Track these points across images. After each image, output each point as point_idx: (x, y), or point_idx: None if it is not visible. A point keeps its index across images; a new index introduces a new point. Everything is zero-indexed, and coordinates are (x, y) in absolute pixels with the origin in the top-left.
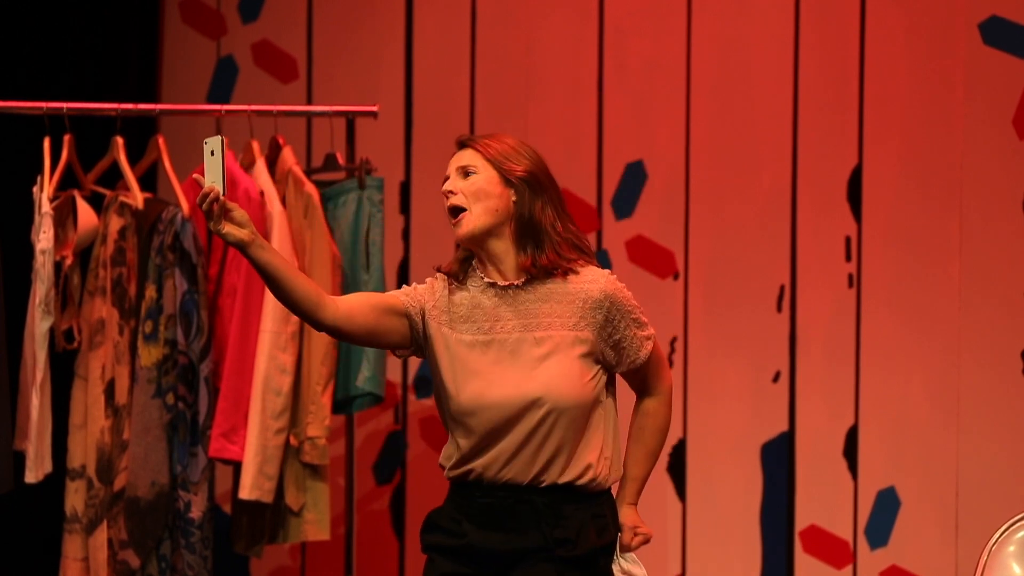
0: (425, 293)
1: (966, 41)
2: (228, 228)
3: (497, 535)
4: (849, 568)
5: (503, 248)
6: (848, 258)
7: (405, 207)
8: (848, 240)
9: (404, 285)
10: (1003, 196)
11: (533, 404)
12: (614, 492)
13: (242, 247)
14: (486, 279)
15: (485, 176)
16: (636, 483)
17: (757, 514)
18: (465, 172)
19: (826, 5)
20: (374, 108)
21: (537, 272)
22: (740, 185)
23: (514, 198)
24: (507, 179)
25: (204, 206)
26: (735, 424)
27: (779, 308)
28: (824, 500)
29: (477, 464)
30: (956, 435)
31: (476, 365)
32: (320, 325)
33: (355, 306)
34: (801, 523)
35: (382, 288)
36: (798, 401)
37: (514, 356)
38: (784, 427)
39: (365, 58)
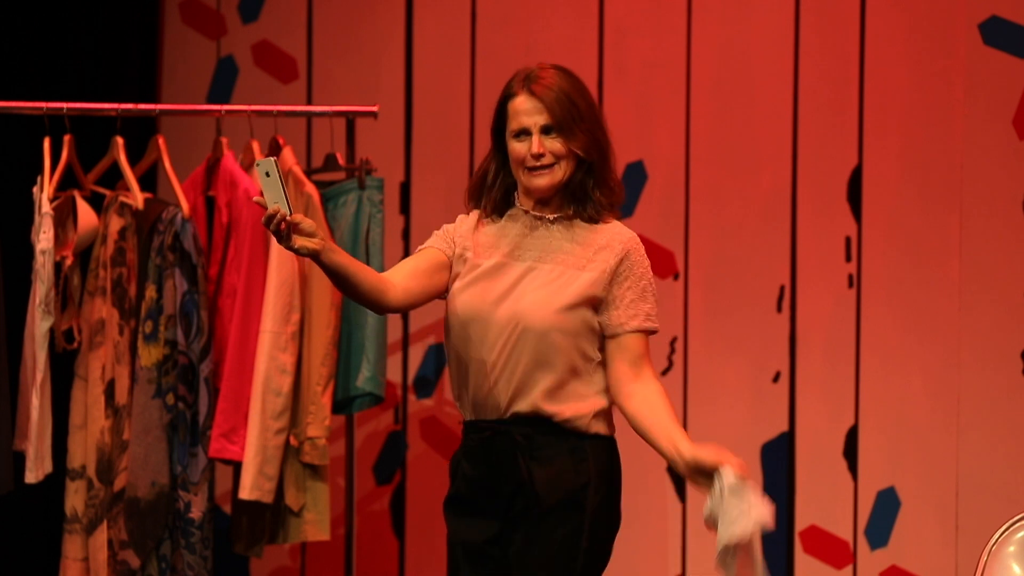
0: (456, 232)
1: (966, 41)
2: (300, 242)
3: (484, 469)
4: (849, 568)
5: (553, 194)
6: (848, 258)
7: (405, 207)
8: (848, 240)
9: (436, 232)
10: (1003, 196)
11: (508, 322)
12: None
13: (315, 256)
14: (522, 207)
15: (561, 139)
16: (687, 439)
17: None
18: (547, 130)
19: (826, 5)
20: (374, 108)
21: (571, 215)
22: (740, 185)
23: (575, 162)
24: (571, 146)
25: (272, 227)
26: (735, 424)
27: (779, 308)
28: (824, 500)
29: (465, 389)
30: (956, 435)
31: (476, 284)
32: (386, 309)
33: (408, 280)
34: (801, 523)
35: None
36: (798, 401)
37: (514, 281)
38: (784, 427)
39: (365, 58)
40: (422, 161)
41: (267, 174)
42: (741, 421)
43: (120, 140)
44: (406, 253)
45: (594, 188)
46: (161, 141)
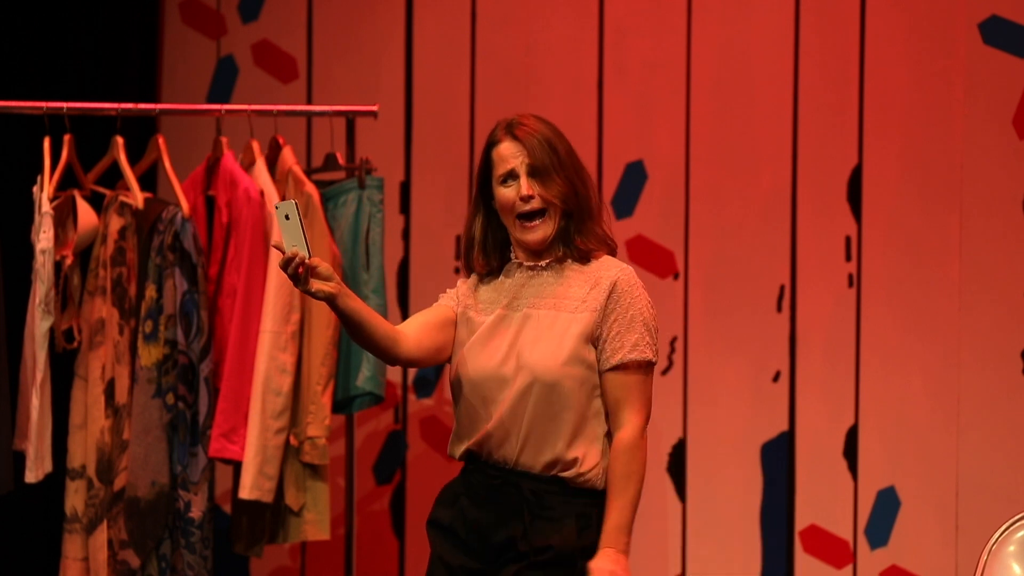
0: (460, 292)
1: (966, 41)
2: (317, 286)
3: (485, 513)
4: (849, 568)
5: (546, 247)
6: (848, 258)
7: (405, 207)
8: (848, 240)
9: (441, 294)
10: (1003, 196)
11: (514, 375)
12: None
13: (330, 300)
14: (516, 260)
15: (547, 181)
16: (606, 526)
17: (757, 514)
18: (531, 172)
19: (826, 5)
20: (374, 108)
21: (560, 258)
22: (740, 185)
23: (562, 206)
24: (552, 191)
25: (289, 271)
26: (735, 424)
27: (779, 308)
28: (824, 500)
29: (470, 440)
30: (956, 435)
31: (478, 338)
32: (397, 361)
33: (419, 332)
34: (801, 523)
35: (382, 287)
36: (798, 401)
37: (515, 332)
38: (784, 427)
39: (365, 58)
40: (422, 161)
41: (287, 217)
42: (741, 421)
43: (120, 140)
44: (406, 253)
45: (575, 235)
46: (161, 141)
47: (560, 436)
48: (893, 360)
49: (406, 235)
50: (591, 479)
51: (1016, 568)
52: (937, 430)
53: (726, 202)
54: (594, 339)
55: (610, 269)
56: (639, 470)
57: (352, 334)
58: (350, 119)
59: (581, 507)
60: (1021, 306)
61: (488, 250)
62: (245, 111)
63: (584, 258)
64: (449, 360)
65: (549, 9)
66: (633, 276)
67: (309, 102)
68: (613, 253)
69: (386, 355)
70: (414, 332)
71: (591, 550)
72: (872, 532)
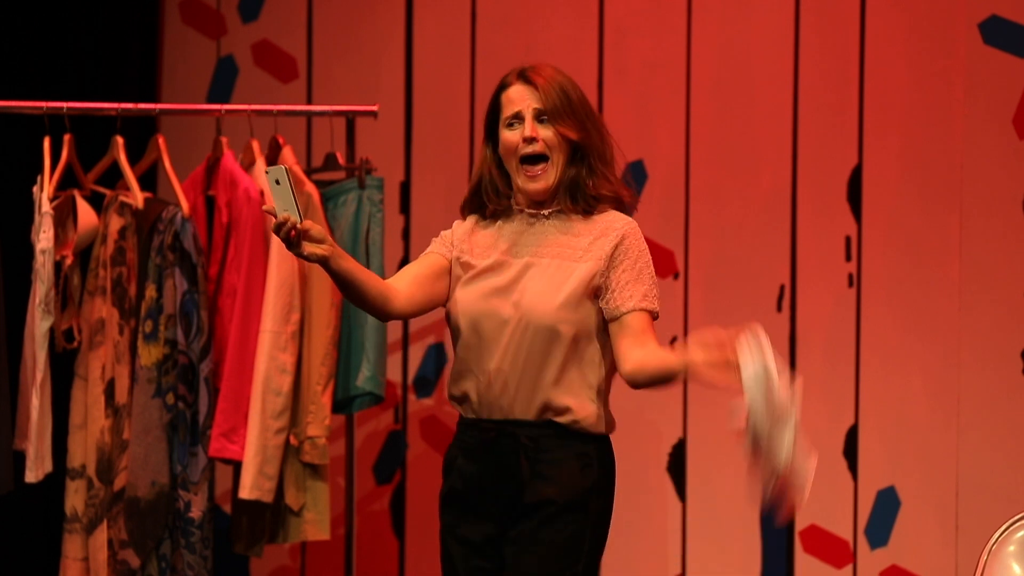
0: (454, 236)
1: (966, 41)
2: (309, 249)
3: (484, 468)
4: (849, 568)
5: (548, 197)
6: (848, 258)
7: (405, 207)
8: (848, 240)
9: (433, 238)
10: (1003, 196)
11: (511, 319)
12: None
13: (323, 262)
14: (517, 206)
15: (554, 128)
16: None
17: (757, 514)
18: (540, 116)
19: (826, 5)
20: (374, 108)
21: (565, 208)
22: (740, 185)
23: (566, 155)
24: (566, 136)
25: (281, 235)
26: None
27: (779, 308)
28: (824, 500)
29: (467, 382)
30: (956, 435)
31: (476, 281)
32: (390, 317)
33: (411, 286)
34: (801, 523)
35: None
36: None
37: (514, 277)
38: None
39: (365, 58)
40: (422, 161)
41: (277, 182)
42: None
43: (120, 140)
44: (406, 253)
45: (587, 179)
46: (161, 141)
47: (553, 379)
48: (893, 360)
49: (406, 235)
50: (586, 426)
51: (1016, 568)
52: (937, 430)
53: (726, 202)
54: (595, 287)
55: (617, 220)
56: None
57: (346, 294)
58: (350, 119)
59: (579, 447)
60: (1021, 306)
61: (495, 195)
62: (245, 111)
63: (589, 209)
64: (444, 305)
65: (549, 9)
66: (639, 230)
67: (309, 102)
68: (623, 206)
69: (380, 313)
70: (406, 286)
71: (596, 490)
72: (872, 532)
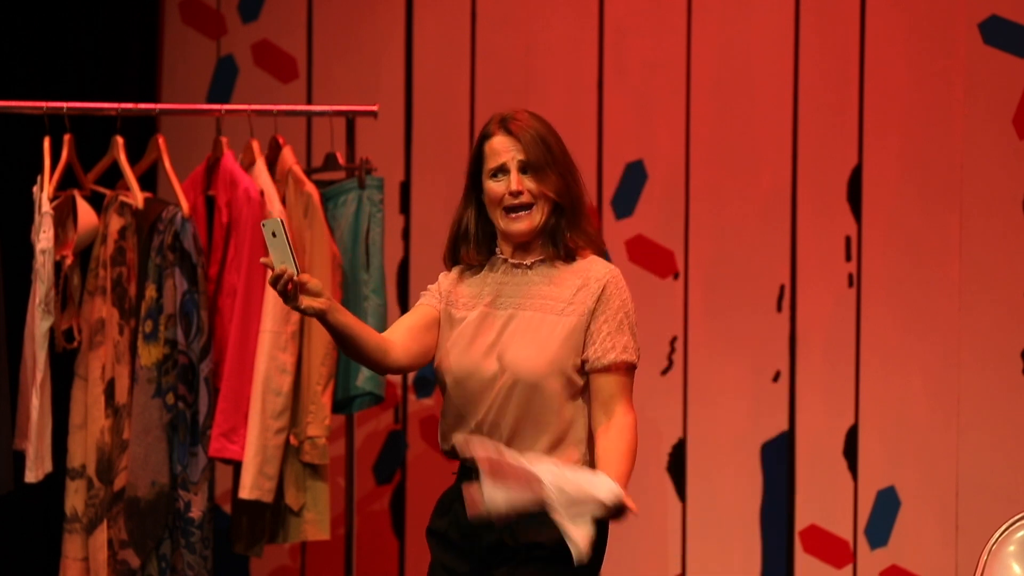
0: (442, 287)
1: (966, 41)
2: (306, 303)
3: (476, 517)
4: (849, 568)
5: (532, 238)
6: (848, 258)
7: (405, 207)
8: (848, 240)
9: (423, 292)
10: (1003, 196)
11: (496, 375)
12: None
13: (320, 316)
14: (502, 256)
15: (538, 177)
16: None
17: (757, 514)
18: (524, 168)
19: (826, 5)
20: (374, 108)
21: (547, 258)
22: (740, 185)
23: (551, 202)
24: (547, 184)
25: (278, 288)
26: (735, 424)
27: (779, 308)
28: (824, 500)
29: (456, 438)
30: (956, 435)
31: (462, 335)
32: (388, 369)
33: (407, 339)
34: (801, 523)
35: (382, 287)
36: (798, 401)
37: (499, 331)
38: (784, 427)
39: (365, 58)
40: (422, 161)
41: (273, 234)
42: (741, 421)
43: (120, 140)
44: (406, 253)
45: (566, 231)
46: (161, 141)
47: (543, 438)
48: (893, 360)
49: (406, 235)
50: None
51: (1016, 568)
52: (937, 430)
53: (726, 202)
54: (579, 341)
55: (598, 269)
56: (634, 449)
57: (342, 347)
58: (350, 119)
59: None
60: (1021, 306)
61: (477, 243)
62: (245, 111)
63: (570, 256)
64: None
65: (549, 9)
66: (621, 278)
67: (309, 102)
68: (600, 254)
69: (377, 365)
70: (402, 339)
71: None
72: (872, 532)
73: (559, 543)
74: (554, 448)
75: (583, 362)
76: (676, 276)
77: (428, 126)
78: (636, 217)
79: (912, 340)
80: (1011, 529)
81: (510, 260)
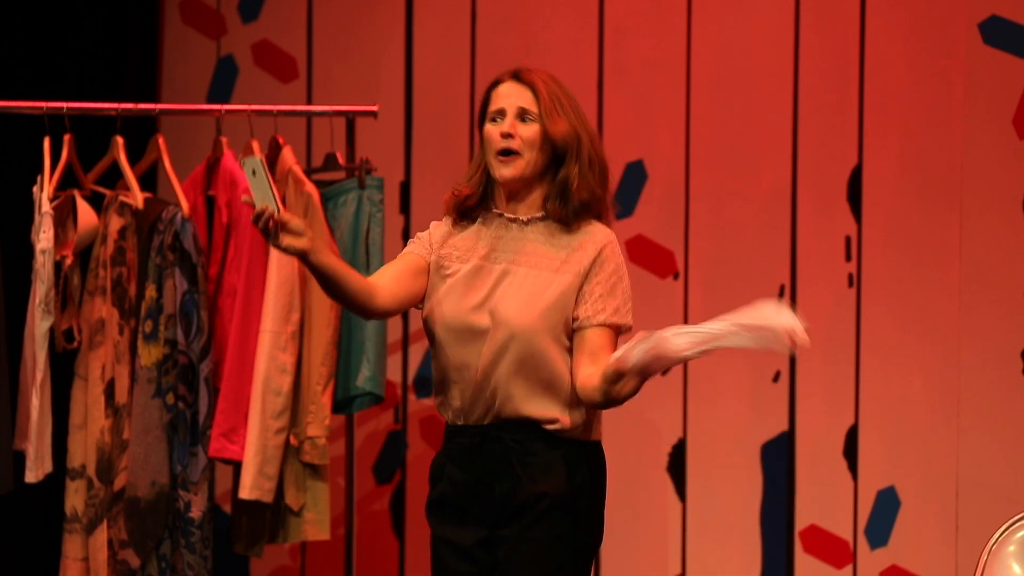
0: (433, 237)
1: (966, 41)
2: (287, 241)
3: (472, 475)
4: (849, 568)
5: (527, 191)
6: (848, 258)
7: (405, 207)
8: (848, 240)
9: (411, 240)
10: (1003, 196)
11: (491, 328)
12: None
13: (302, 256)
14: (496, 210)
15: (538, 127)
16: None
17: (757, 514)
18: (523, 115)
19: (826, 5)
20: (374, 108)
21: (546, 216)
22: (740, 185)
23: (546, 156)
24: (551, 137)
25: (260, 225)
26: (735, 424)
27: None
28: (824, 500)
29: (450, 395)
30: (956, 435)
31: (454, 288)
32: (373, 314)
33: (392, 284)
34: (801, 523)
35: None
36: (798, 401)
37: (492, 285)
38: (784, 427)
39: (365, 58)
40: (422, 161)
41: (253, 172)
42: (741, 421)
43: (120, 140)
44: None
45: (574, 181)
46: (161, 141)
47: (537, 393)
48: (893, 360)
49: (406, 235)
50: (573, 435)
51: (1016, 568)
52: (937, 430)
53: (726, 202)
54: (571, 301)
55: (596, 234)
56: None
57: (327, 290)
58: (350, 119)
59: (566, 452)
60: (1021, 306)
61: (478, 194)
62: (245, 111)
63: (575, 217)
64: (421, 305)
65: (549, 9)
66: (616, 243)
67: (309, 102)
68: (602, 218)
69: (361, 309)
70: (387, 283)
71: (585, 490)
72: (872, 532)
73: (564, 489)
74: (547, 402)
75: (573, 320)
76: (676, 276)
77: (428, 126)
78: (636, 217)
79: (912, 340)
80: (1011, 529)
81: (505, 214)
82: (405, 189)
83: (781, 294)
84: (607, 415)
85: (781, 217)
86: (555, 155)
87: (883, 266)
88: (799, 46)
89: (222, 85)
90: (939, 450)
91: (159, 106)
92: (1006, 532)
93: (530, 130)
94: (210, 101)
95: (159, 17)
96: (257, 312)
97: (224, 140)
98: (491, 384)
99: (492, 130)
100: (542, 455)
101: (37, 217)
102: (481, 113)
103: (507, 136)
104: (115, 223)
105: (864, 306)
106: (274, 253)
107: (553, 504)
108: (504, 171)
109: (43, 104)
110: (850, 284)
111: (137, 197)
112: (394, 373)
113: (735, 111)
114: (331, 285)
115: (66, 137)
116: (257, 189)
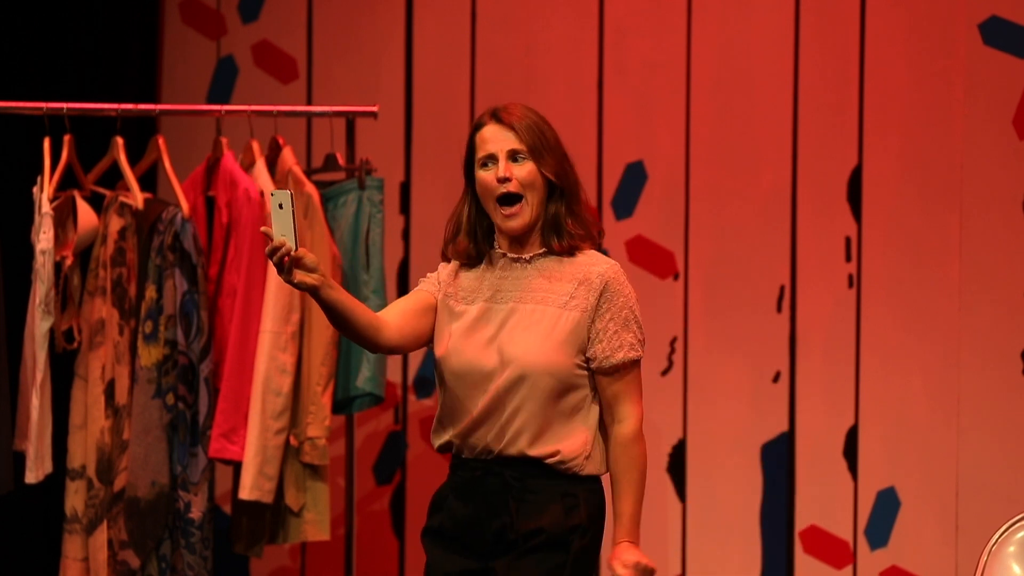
0: (441, 277)
1: (966, 41)
2: (300, 277)
3: (472, 508)
4: (849, 568)
5: (529, 232)
6: (848, 258)
7: (405, 207)
8: (848, 240)
9: (421, 279)
10: (1003, 196)
11: (499, 367)
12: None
13: (313, 292)
14: (500, 250)
15: (531, 166)
16: (623, 519)
17: (757, 514)
18: (514, 156)
19: (826, 5)
20: (374, 108)
21: (548, 252)
22: (740, 185)
23: (543, 194)
24: (542, 173)
25: (274, 260)
26: (735, 424)
27: (779, 308)
28: (824, 500)
29: (452, 431)
30: (956, 435)
31: (462, 329)
32: (379, 348)
33: (400, 319)
34: (801, 523)
35: (382, 288)
36: (798, 401)
37: (499, 324)
38: (784, 427)
39: (365, 58)
40: (422, 161)
41: (280, 206)
42: (741, 421)
43: (120, 140)
44: (406, 253)
45: (566, 218)
46: (161, 141)
47: (542, 430)
48: (893, 360)
49: (406, 235)
50: (573, 467)
51: (1016, 568)
52: (937, 430)
53: (726, 202)
54: (582, 337)
55: (598, 265)
56: (644, 460)
57: (335, 324)
58: (350, 119)
59: (566, 487)
60: (1021, 306)
61: (474, 237)
62: (245, 111)
63: (569, 251)
64: (429, 345)
65: (549, 9)
66: (621, 273)
67: (309, 102)
68: (598, 244)
69: (369, 344)
70: (395, 320)
71: (580, 529)
72: (872, 532)
73: (559, 528)
74: (551, 438)
75: (588, 359)
76: (676, 277)
77: (428, 126)
78: (636, 217)
79: (912, 340)
80: (1011, 529)
81: (508, 255)
82: (405, 189)
83: (781, 294)
84: None
85: (781, 217)
86: (549, 192)
87: (883, 266)
88: (799, 46)
89: (222, 85)
90: (939, 450)
91: (159, 106)
92: (1006, 532)
93: (525, 169)
94: (210, 101)
95: (159, 17)
96: (257, 312)
97: (224, 140)
98: (496, 421)
99: (486, 176)
100: (541, 492)
101: (37, 217)
102: (468, 159)
103: (504, 180)
104: (115, 223)
105: (864, 306)
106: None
107: (548, 540)
108: (511, 224)
109: (43, 104)
110: (850, 284)
111: (137, 197)
112: (394, 373)
113: (735, 111)
114: (339, 319)
115: (66, 137)
116: (279, 222)
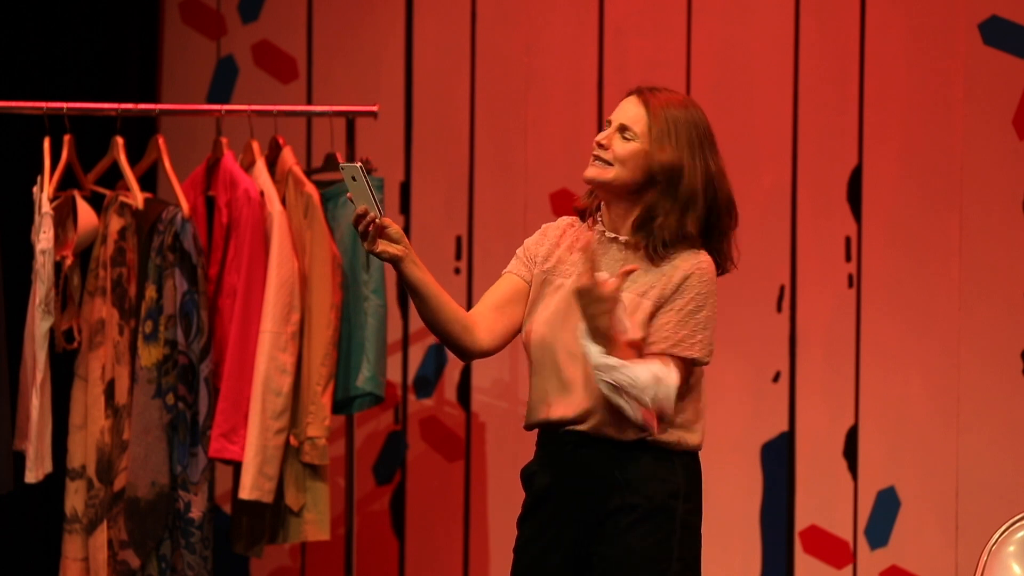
0: (535, 254)
1: (966, 41)
2: (383, 246)
3: (566, 480)
4: (849, 568)
5: (622, 211)
6: (848, 258)
7: (405, 207)
8: (848, 240)
9: (513, 258)
10: (1003, 196)
11: (577, 352)
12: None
13: (396, 262)
14: (599, 226)
15: (636, 146)
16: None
17: (757, 514)
18: (624, 131)
19: (826, 5)
20: (374, 108)
21: (641, 242)
22: (740, 185)
23: (640, 177)
24: (650, 162)
25: (360, 228)
26: (735, 424)
27: (779, 308)
28: (824, 500)
29: (544, 412)
30: (956, 435)
31: (549, 305)
32: (469, 351)
33: (491, 319)
34: (801, 523)
35: (382, 288)
36: (798, 401)
37: None
38: (784, 427)
39: (365, 58)
40: (422, 161)
41: (353, 178)
42: (741, 421)
43: (120, 140)
44: None
45: (660, 214)
46: (161, 141)
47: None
48: (893, 360)
49: (406, 235)
50: (669, 445)
51: (1016, 568)
52: (937, 430)
53: None
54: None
55: (690, 259)
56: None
57: (418, 308)
58: (350, 119)
59: (664, 459)
60: (1021, 306)
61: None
62: (245, 111)
63: (653, 250)
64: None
65: (549, 9)
66: (708, 271)
67: (309, 102)
68: (700, 245)
69: (455, 342)
70: (487, 319)
71: (681, 496)
72: (872, 532)
73: (660, 494)
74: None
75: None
76: None
77: (428, 126)
78: None
79: (912, 340)
80: (1011, 529)
81: (606, 232)
82: (405, 189)
83: (781, 294)
84: None
85: (781, 217)
86: (653, 180)
87: (883, 266)
88: (799, 46)
89: (222, 85)
90: (939, 450)
91: (159, 106)
92: (1006, 532)
93: (625, 147)
94: (210, 101)
95: (159, 17)
96: (257, 312)
97: (224, 140)
98: (588, 396)
99: (599, 135)
100: (637, 463)
101: (37, 217)
102: None
103: (601, 146)
104: (115, 223)
105: (864, 306)
106: (274, 253)
107: (648, 512)
108: (588, 171)
109: (43, 104)
110: (850, 284)
111: (137, 197)
112: (394, 373)
113: (735, 111)
114: (423, 303)
115: (66, 137)
116: (358, 193)
